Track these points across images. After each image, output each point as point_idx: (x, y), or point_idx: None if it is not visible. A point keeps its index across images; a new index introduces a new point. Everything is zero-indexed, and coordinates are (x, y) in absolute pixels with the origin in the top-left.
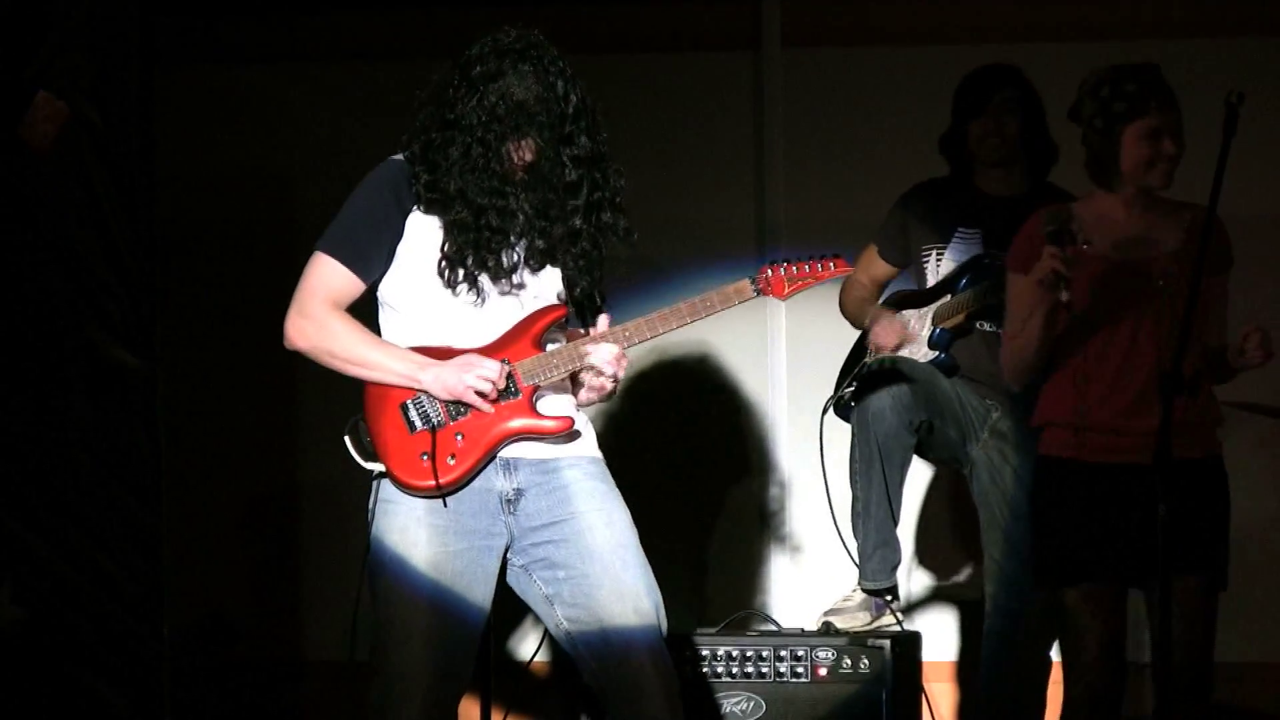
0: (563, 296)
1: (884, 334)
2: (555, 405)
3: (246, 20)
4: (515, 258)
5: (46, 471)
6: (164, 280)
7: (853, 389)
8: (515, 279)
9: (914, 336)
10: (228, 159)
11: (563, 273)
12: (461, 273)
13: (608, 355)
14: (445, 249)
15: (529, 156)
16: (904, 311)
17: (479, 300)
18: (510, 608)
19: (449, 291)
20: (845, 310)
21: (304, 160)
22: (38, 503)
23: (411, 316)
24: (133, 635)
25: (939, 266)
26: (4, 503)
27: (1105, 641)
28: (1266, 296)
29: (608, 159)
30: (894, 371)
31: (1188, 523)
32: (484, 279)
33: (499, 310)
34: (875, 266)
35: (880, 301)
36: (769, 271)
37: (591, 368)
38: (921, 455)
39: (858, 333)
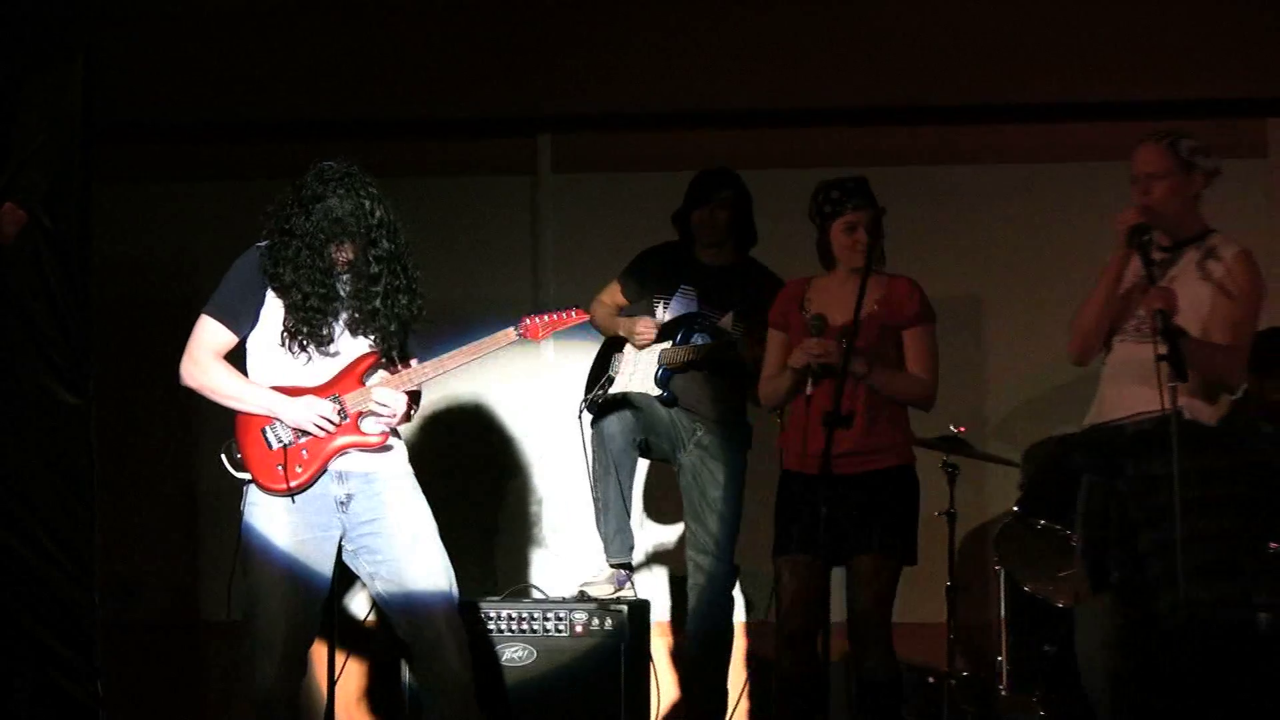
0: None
1: (643, 330)
2: (376, 425)
3: (155, 150)
4: (335, 330)
5: (8, 478)
6: (96, 338)
7: (600, 397)
8: (334, 347)
9: (654, 333)
10: (144, 251)
11: (371, 340)
12: (295, 341)
13: (385, 396)
14: (284, 322)
15: (348, 256)
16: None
17: (308, 360)
18: (351, 580)
19: (288, 352)
20: (594, 322)
21: (201, 252)
22: (1, 501)
23: (265, 364)
24: (71, 598)
25: (664, 310)
26: None
27: (795, 595)
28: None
29: (405, 256)
30: (623, 403)
31: (883, 514)
32: (310, 346)
33: (322, 367)
34: (616, 295)
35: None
36: (527, 320)
37: (374, 403)
38: (645, 458)
39: (595, 368)
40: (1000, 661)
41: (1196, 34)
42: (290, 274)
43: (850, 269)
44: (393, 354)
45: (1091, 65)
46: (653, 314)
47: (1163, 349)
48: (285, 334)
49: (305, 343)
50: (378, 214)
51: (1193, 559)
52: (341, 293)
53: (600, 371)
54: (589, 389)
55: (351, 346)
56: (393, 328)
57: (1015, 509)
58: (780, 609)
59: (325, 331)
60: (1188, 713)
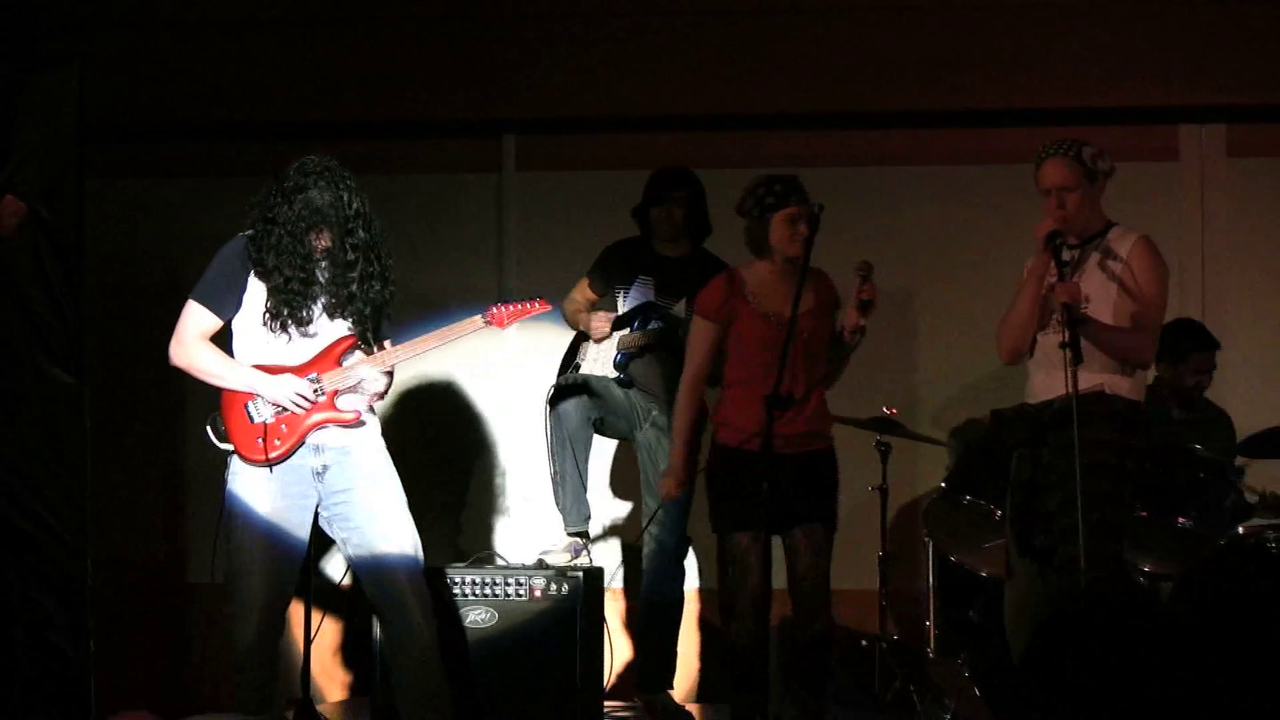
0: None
1: (599, 324)
2: (350, 403)
3: (144, 149)
4: (314, 312)
5: (6, 452)
6: (90, 323)
7: (564, 381)
8: (313, 327)
9: (610, 325)
10: (134, 243)
11: (347, 323)
12: (276, 322)
13: (368, 373)
14: (266, 304)
15: (326, 243)
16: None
17: (289, 340)
18: (328, 545)
19: (270, 333)
20: (564, 315)
21: (187, 243)
22: (1, 474)
23: (249, 345)
24: (65, 563)
25: (624, 300)
26: None
27: (762, 570)
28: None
29: (380, 245)
30: (582, 387)
31: (825, 491)
32: (291, 327)
33: (302, 346)
34: (586, 292)
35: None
36: (493, 309)
37: (361, 380)
38: (600, 434)
39: (565, 357)
40: (928, 626)
41: (1113, 47)
42: (272, 259)
43: (786, 258)
44: (367, 336)
45: (1015, 75)
46: (615, 304)
47: (1065, 337)
48: (267, 314)
49: (286, 323)
50: (355, 205)
51: (1087, 514)
52: (320, 278)
53: (569, 360)
54: (560, 375)
55: (328, 329)
56: (367, 311)
57: (942, 485)
58: (743, 579)
59: (304, 313)
60: (1097, 676)
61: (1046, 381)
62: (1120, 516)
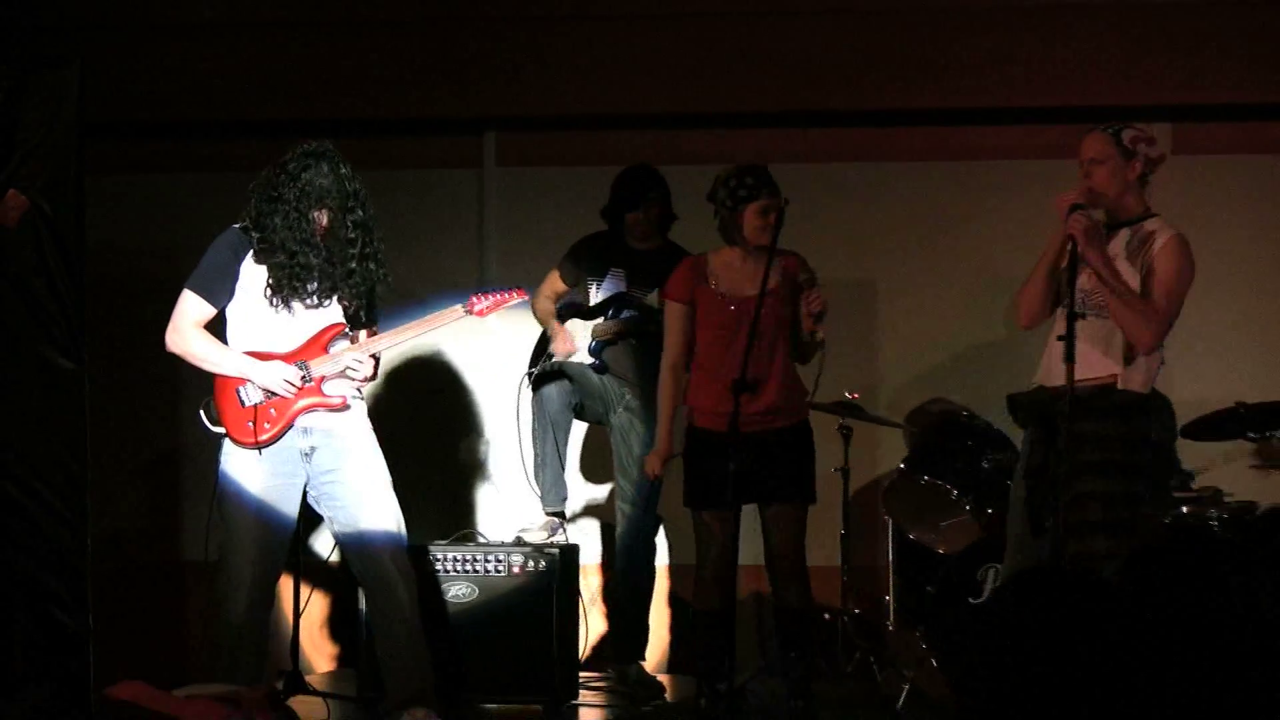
0: (344, 314)
1: (562, 344)
2: (337, 388)
3: (141, 145)
4: (313, 289)
5: (9, 435)
6: (90, 311)
7: (542, 368)
8: (312, 302)
9: (576, 348)
10: (132, 235)
11: (342, 300)
12: (278, 297)
13: (354, 360)
14: (269, 281)
15: (325, 222)
16: (573, 321)
17: (291, 315)
18: (317, 523)
19: (271, 310)
20: (535, 313)
21: (182, 236)
22: (3, 456)
23: (244, 328)
24: (65, 540)
25: (597, 291)
26: None
27: (724, 544)
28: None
29: (374, 226)
30: (560, 372)
31: (798, 466)
32: (294, 302)
33: (302, 323)
34: (555, 284)
35: (556, 308)
36: (473, 299)
37: (347, 366)
38: (579, 419)
39: (537, 348)
40: (888, 601)
41: (1061, 48)
42: (277, 236)
43: (755, 246)
44: (359, 314)
45: (968, 77)
46: (587, 295)
47: (1065, 329)
48: (268, 288)
49: (288, 299)
50: (354, 185)
51: (1105, 513)
52: (319, 256)
53: (543, 348)
54: (533, 363)
55: (322, 312)
56: (363, 288)
57: (901, 466)
58: (706, 551)
59: (305, 288)
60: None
61: (1058, 365)
62: (1133, 513)
